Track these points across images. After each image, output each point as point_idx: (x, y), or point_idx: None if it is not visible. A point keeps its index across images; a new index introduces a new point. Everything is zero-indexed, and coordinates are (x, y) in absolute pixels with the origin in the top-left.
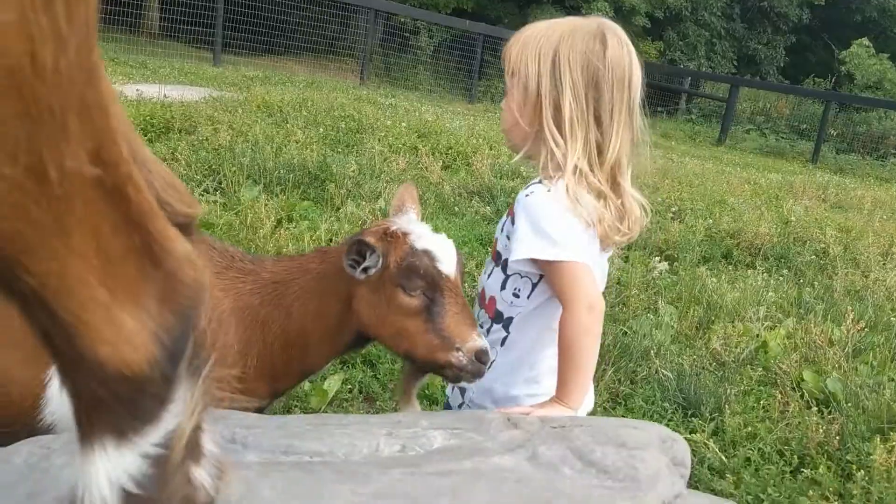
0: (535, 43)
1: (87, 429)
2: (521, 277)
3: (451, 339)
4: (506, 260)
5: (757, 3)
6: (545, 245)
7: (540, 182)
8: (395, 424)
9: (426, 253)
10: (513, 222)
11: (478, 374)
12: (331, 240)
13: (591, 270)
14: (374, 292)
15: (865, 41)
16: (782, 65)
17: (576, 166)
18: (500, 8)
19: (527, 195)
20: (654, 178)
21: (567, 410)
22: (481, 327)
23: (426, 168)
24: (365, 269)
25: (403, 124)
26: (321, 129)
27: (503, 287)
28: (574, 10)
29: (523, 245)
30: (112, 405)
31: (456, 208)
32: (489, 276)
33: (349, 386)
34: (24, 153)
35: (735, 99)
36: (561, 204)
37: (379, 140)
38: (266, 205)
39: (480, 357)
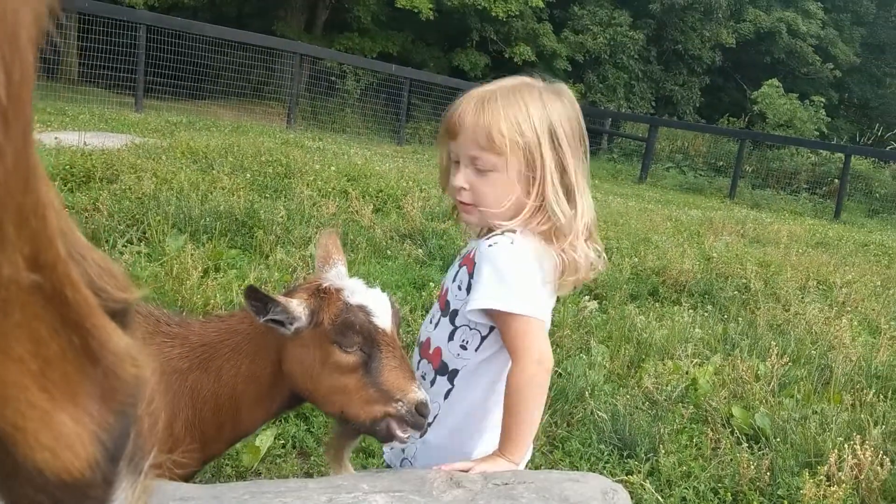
0: (523, 117)
1: None
2: (471, 329)
3: (391, 392)
4: (455, 311)
5: (672, 46)
6: (507, 296)
7: (503, 234)
8: (336, 489)
9: (361, 308)
10: (468, 272)
11: (417, 427)
12: (260, 288)
13: (546, 326)
14: (306, 350)
15: (775, 81)
16: (698, 105)
17: (586, 226)
18: (426, 52)
19: (490, 245)
20: None
21: (510, 465)
22: (423, 378)
23: (357, 212)
24: (294, 327)
25: (333, 168)
26: (248, 175)
27: (450, 338)
28: (497, 55)
29: (484, 295)
30: None
31: (388, 252)
32: (436, 326)
33: (282, 441)
34: None
35: (654, 138)
36: (526, 257)
37: (308, 184)
38: (192, 254)
39: (421, 410)
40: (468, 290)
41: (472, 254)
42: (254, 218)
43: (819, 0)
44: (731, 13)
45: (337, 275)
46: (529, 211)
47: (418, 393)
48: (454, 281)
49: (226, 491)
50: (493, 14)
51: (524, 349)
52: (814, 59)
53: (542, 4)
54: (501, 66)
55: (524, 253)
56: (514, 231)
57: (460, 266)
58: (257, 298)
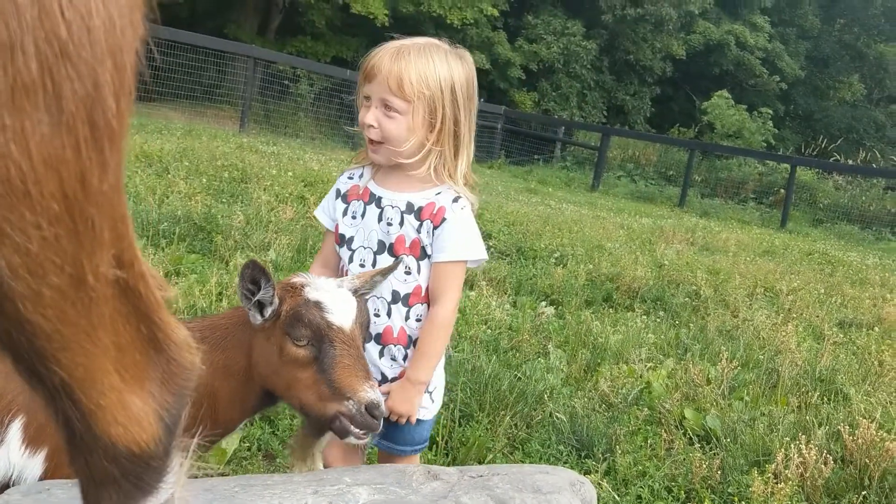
0: (431, 72)
1: None
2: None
3: (342, 390)
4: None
5: (623, 56)
6: (476, 248)
7: (457, 198)
8: (320, 482)
9: (316, 304)
10: (434, 225)
11: (369, 428)
12: (221, 293)
13: None
14: (268, 342)
15: (725, 93)
16: (649, 114)
17: (464, 175)
18: None
19: (462, 208)
20: (536, 225)
21: (418, 388)
22: (403, 361)
23: (315, 217)
24: (263, 313)
25: (289, 173)
26: (204, 179)
27: (406, 318)
28: None
29: (463, 246)
30: (120, 481)
31: None
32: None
33: (248, 444)
34: (70, 264)
35: (606, 147)
36: (472, 216)
37: (265, 189)
38: (151, 259)
39: (371, 410)
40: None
41: (436, 210)
42: (212, 223)
43: (766, 14)
44: (681, 25)
45: (317, 277)
46: (427, 152)
47: (369, 393)
48: (411, 229)
49: (218, 484)
50: (449, 22)
51: (455, 289)
52: (761, 71)
53: (496, 13)
54: None
55: (471, 212)
56: (458, 193)
57: (424, 219)
58: (258, 271)
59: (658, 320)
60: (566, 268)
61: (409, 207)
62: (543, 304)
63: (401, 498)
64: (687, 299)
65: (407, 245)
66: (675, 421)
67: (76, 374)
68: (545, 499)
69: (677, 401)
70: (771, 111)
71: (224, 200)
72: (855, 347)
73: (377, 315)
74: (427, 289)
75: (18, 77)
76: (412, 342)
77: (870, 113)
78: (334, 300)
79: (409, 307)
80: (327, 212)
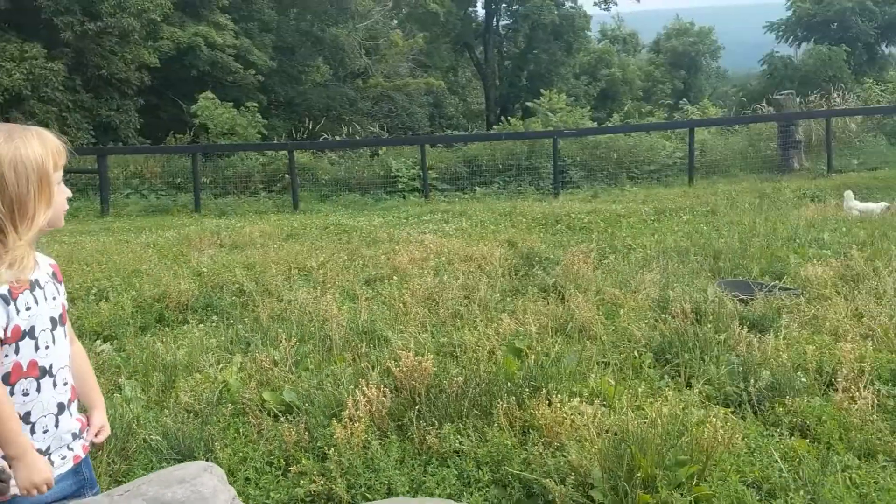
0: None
1: None
2: None
3: None
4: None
5: (96, 72)
6: None
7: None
8: None
9: None
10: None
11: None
12: None
13: None
14: None
15: (209, 94)
16: (139, 127)
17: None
18: None
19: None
20: (62, 266)
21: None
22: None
23: None
24: None
25: None
26: None
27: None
28: None
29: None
30: None
31: None
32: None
33: None
34: None
35: (106, 168)
36: None
37: None
38: None
39: None
40: None
41: (56, 270)
42: None
43: (227, 12)
44: (147, 34)
45: None
46: None
47: None
48: (61, 295)
49: None
50: None
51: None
52: (236, 67)
53: None
54: None
55: None
56: None
57: (59, 282)
58: None
59: (214, 324)
60: (108, 300)
61: None
62: (98, 343)
63: None
64: (234, 298)
65: None
66: (257, 406)
67: None
68: (192, 484)
69: (254, 388)
70: (256, 104)
71: None
72: (383, 298)
73: None
74: None
75: None
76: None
77: (341, 90)
78: None
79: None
80: None
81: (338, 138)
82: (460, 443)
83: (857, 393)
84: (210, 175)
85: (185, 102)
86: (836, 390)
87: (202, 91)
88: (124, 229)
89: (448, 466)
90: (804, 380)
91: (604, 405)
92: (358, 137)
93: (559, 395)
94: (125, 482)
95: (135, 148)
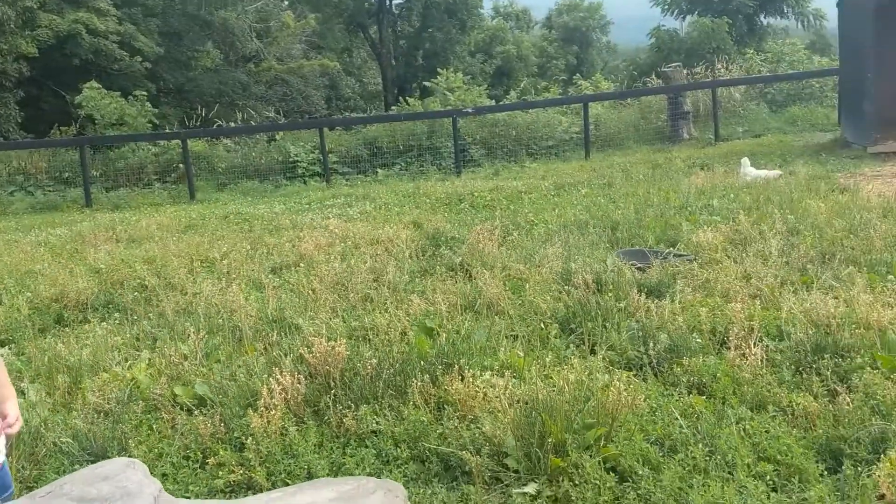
0: None
1: None
2: None
3: None
4: None
5: None
6: None
7: None
8: None
9: None
10: None
11: None
12: None
13: None
14: None
15: (94, 83)
16: (20, 120)
17: None
18: None
19: None
20: None
21: None
22: None
23: None
24: None
25: None
26: None
27: None
28: None
29: None
30: None
31: None
32: None
33: None
34: None
35: None
36: None
37: None
38: None
39: None
40: None
41: None
42: None
43: None
44: (23, 22)
45: None
46: None
47: None
48: None
49: None
50: None
51: None
52: (121, 54)
53: None
54: None
55: None
56: None
57: None
58: None
59: (117, 322)
60: (3, 304)
61: None
62: None
63: None
64: (136, 294)
65: None
66: (170, 401)
67: None
68: (116, 480)
69: (165, 384)
70: (145, 92)
71: None
72: (290, 286)
73: None
74: None
75: None
76: None
77: (233, 75)
78: None
79: None
80: None
81: (232, 125)
82: (377, 423)
83: (748, 350)
84: (100, 168)
85: (68, 93)
86: (729, 348)
87: (86, 81)
88: (11, 229)
89: (367, 447)
90: (699, 340)
91: (514, 377)
92: (253, 123)
93: (471, 370)
94: (36, 488)
95: (16, 143)
